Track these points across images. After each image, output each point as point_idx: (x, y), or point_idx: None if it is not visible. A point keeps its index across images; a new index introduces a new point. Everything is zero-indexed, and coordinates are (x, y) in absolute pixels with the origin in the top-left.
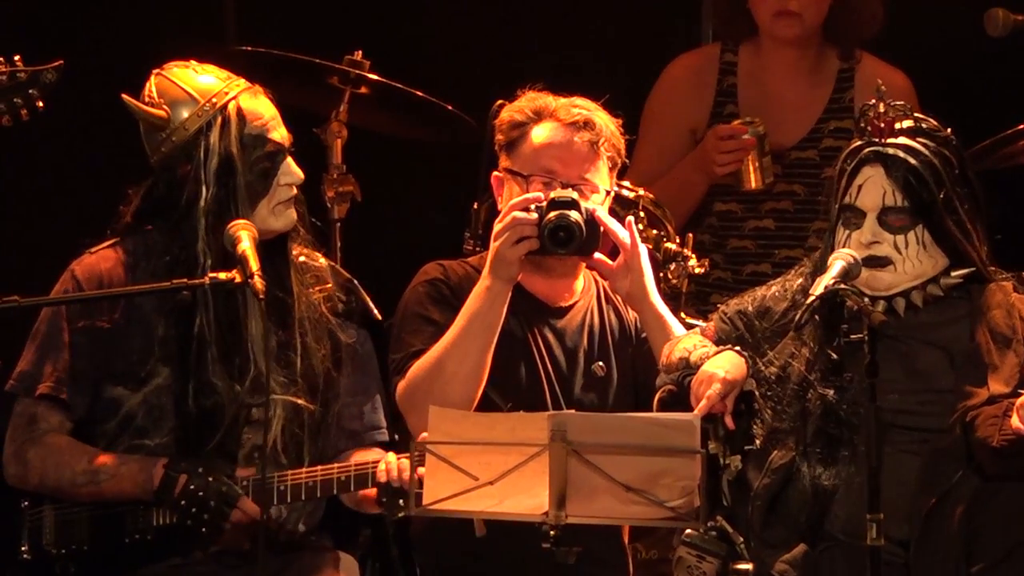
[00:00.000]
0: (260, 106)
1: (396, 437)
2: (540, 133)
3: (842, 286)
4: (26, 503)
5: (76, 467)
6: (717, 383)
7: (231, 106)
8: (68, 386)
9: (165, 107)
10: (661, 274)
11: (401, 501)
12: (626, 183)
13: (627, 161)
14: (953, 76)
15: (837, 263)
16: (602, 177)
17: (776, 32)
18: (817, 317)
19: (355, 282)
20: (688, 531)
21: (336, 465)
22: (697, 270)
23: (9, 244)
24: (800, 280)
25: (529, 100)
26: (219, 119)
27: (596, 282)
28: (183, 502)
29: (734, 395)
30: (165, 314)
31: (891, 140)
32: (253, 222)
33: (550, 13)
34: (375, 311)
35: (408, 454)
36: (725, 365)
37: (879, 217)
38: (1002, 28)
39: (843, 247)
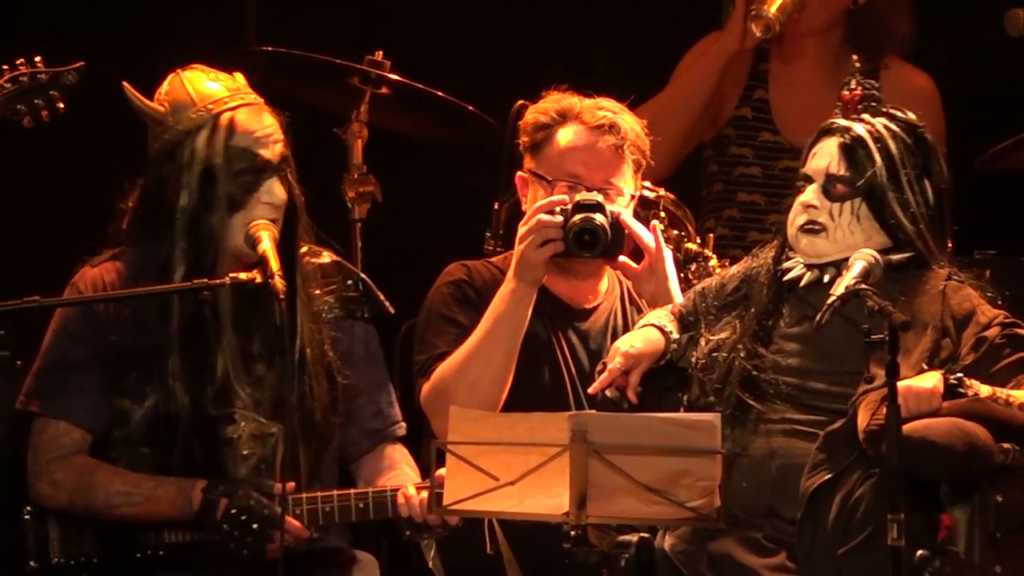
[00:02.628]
0: (256, 121)
1: None
2: (565, 136)
3: (863, 286)
4: (28, 514)
5: (109, 488)
6: (619, 357)
7: (225, 116)
8: (81, 404)
9: (166, 104)
10: (682, 275)
11: (426, 534)
12: (647, 184)
13: (652, 163)
14: (974, 76)
15: (858, 263)
16: (627, 181)
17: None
18: (765, 288)
19: (363, 276)
20: None
21: (353, 490)
22: (718, 270)
23: (31, 243)
24: (760, 259)
25: (554, 101)
26: (209, 126)
27: (620, 282)
28: (225, 526)
29: (640, 370)
30: (165, 326)
31: (855, 116)
32: (228, 235)
33: (570, 13)
34: (388, 305)
35: (427, 489)
36: (634, 340)
37: (824, 185)
38: (1023, 28)
39: (792, 214)
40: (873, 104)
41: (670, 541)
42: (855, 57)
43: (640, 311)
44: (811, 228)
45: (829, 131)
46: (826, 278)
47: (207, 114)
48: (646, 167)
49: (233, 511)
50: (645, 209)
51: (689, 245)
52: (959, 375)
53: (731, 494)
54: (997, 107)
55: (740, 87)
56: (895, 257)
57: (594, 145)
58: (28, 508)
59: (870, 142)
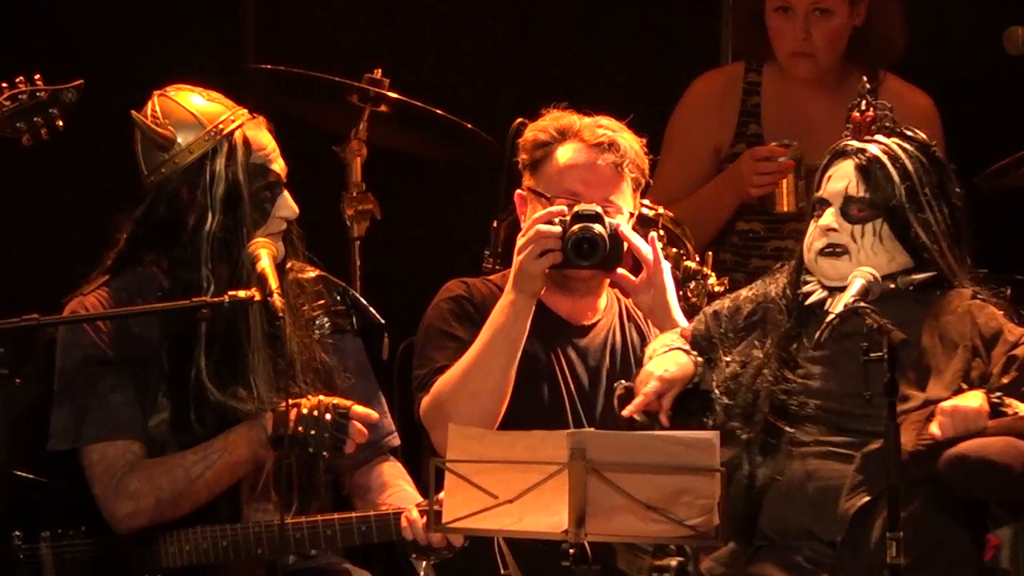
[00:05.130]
0: (263, 137)
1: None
2: (564, 154)
3: (861, 304)
4: (19, 536)
5: (184, 462)
6: (654, 381)
7: (237, 134)
8: (128, 420)
9: (171, 128)
10: (681, 292)
11: (432, 556)
12: (646, 201)
13: (651, 181)
14: (973, 95)
15: (857, 281)
16: (626, 199)
17: (791, 70)
18: (785, 312)
19: (350, 289)
20: None
21: (355, 514)
22: (717, 288)
23: (29, 262)
24: (774, 283)
25: (553, 119)
26: (225, 146)
27: (618, 300)
28: (300, 428)
29: (672, 394)
30: (165, 350)
31: (868, 137)
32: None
33: (569, 32)
34: (376, 315)
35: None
36: (667, 364)
37: (842, 207)
38: (1022, 46)
39: (809, 238)
40: (887, 125)
41: (708, 565)
42: (864, 79)
43: (639, 328)
44: (833, 251)
45: (843, 153)
46: None
47: (219, 135)
48: (645, 185)
49: (304, 412)
50: (644, 227)
51: (688, 263)
52: (999, 394)
53: (768, 517)
54: (997, 125)
55: (733, 125)
56: (918, 277)
57: (593, 163)
58: (17, 533)
59: (887, 162)
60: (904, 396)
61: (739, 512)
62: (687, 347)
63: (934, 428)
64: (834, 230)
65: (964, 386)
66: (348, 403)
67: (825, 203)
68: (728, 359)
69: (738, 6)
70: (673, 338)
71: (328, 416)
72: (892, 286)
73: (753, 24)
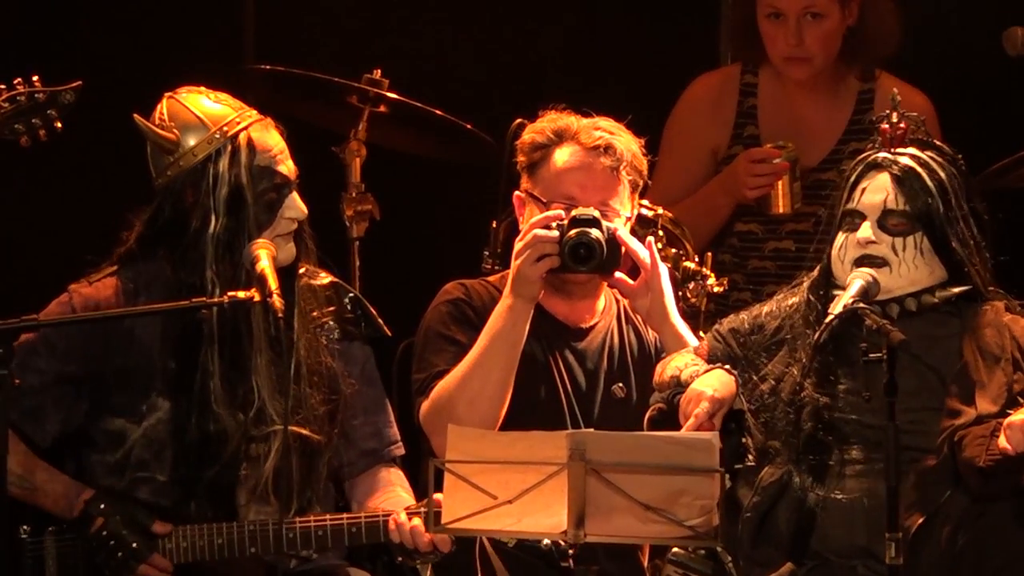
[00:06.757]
0: (270, 138)
1: None
2: (561, 157)
3: (861, 305)
4: (25, 530)
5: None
6: (705, 401)
7: (241, 136)
8: (20, 404)
9: (175, 130)
10: (680, 293)
11: (418, 559)
12: (645, 202)
13: (649, 182)
14: (972, 95)
15: (856, 282)
16: (623, 202)
17: (786, 73)
18: (812, 325)
19: (361, 298)
20: (675, 549)
21: (346, 515)
22: (716, 289)
23: (28, 262)
24: (795, 298)
25: (550, 121)
26: (229, 148)
27: (617, 301)
28: (94, 543)
29: (722, 414)
30: (166, 346)
31: (900, 149)
32: None
33: (568, 33)
34: (384, 327)
35: (419, 515)
36: (714, 383)
37: (879, 220)
38: (1021, 47)
39: (839, 251)
40: (919, 137)
41: None
42: (896, 92)
43: (637, 330)
44: (872, 262)
45: (876, 166)
46: (895, 315)
47: (223, 137)
48: (644, 186)
49: (104, 532)
50: (643, 227)
51: (687, 264)
52: None
53: (823, 536)
54: (996, 126)
55: (730, 127)
56: (955, 290)
57: (590, 167)
58: (24, 528)
59: (924, 174)
60: (954, 411)
61: (791, 530)
62: (725, 367)
63: (1003, 442)
64: (874, 243)
65: (1021, 400)
66: (148, 552)
67: (859, 215)
68: (757, 377)
69: (735, 8)
70: (692, 357)
71: (119, 554)
72: (934, 301)
73: (747, 28)
